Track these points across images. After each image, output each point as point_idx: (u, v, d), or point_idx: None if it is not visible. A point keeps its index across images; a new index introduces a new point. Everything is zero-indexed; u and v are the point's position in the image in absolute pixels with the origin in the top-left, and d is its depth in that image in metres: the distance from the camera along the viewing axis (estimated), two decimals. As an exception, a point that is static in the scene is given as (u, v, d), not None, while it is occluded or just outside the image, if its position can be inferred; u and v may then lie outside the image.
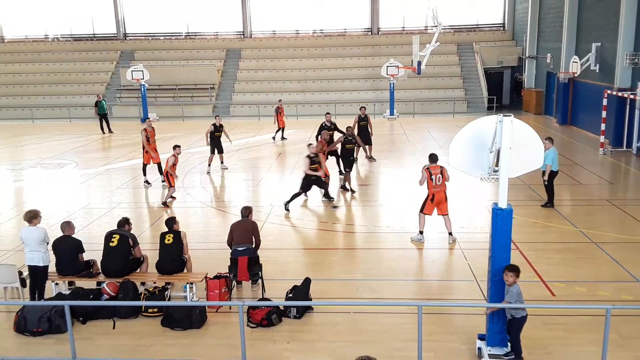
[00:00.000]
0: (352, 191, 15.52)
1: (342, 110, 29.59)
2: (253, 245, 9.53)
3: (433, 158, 11.57)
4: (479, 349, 7.47)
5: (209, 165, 18.42)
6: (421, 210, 11.64)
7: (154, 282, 9.32)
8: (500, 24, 37.23)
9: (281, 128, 24.45)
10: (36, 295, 9.07)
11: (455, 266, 10.74)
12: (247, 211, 9.86)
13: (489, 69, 34.25)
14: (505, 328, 7.31)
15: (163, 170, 14.63)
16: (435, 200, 11.46)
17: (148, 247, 10.78)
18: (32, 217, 9.13)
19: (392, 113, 30.26)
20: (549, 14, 29.39)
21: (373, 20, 37.72)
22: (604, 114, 20.46)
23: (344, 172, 15.91)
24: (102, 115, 27.41)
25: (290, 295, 8.97)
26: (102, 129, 27.36)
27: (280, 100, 26.28)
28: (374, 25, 37.83)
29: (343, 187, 15.61)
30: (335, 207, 14.23)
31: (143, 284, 9.62)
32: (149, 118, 19.64)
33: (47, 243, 9.11)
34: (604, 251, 10.97)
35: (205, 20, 38.54)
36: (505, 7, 36.57)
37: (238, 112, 32.98)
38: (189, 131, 26.68)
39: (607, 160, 19.35)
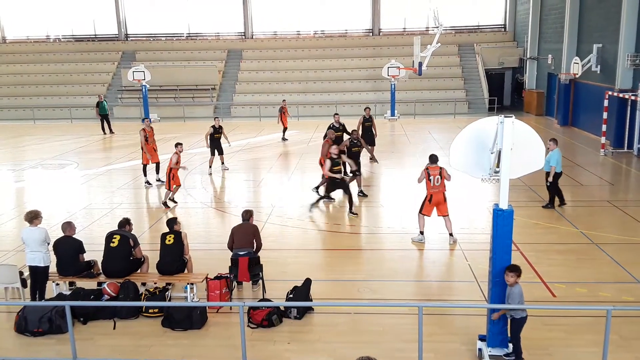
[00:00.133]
0: (363, 193, 15.36)
1: (343, 111, 29.31)
2: (254, 249, 9.52)
3: (433, 159, 11.57)
4: (480, 349, 7.47)
5: (210, 166, 18.43)
6: (420, 211, 11.66)
7: (155, 283, 9.33)
8: (501, 25, 37.24)
9: (284, 128, 24.43)
10: (37, 296, 9.08)
11: (456, 267, 10.74)
12: (248, 215, 9.83)
13: (490, 70, 34.25)
14: (506, 329, 7.31)
15: (166, 169, 14.51)
16: (433, 201, 11.48)
17: (149, 247, 10.78)
18: (33, 217, 9.14)
19: (393, 114, 30.27)
20: (550, 15, 29.39)
21: (374, 21, 37.74)
22: (605, 115, 20.44)
23: (353, 175, 15.79)
24: (104, 116, 27.44)
25: (291, 295, 8.98)
26: (103, 129, 27.39)
27: (284, 100, 26.25)
28: (375, 26, 37.84)
29: (362, 193, 15.33)
30: (354, 214, 13.65)
31: (144, 284, 9.62)
32: (147, 118, 19.61)
33: (48, 243, 9.11)
34: (604, 252, 10.96)
35: (206, 21, 38.57)
36: (507, 8, 36.57)
37: (239, 113, 33.00)
38: (190, 132, 26.69)
39: (608, 162, 19.34)
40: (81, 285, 9.42)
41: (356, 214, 13.65)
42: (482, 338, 7.56)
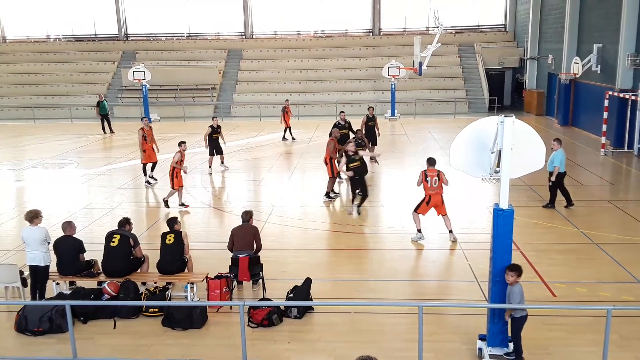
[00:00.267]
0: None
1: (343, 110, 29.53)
2: (253, 251, 9.50)
3: (431, 161, 11.66)
4: (480, 349, 7.47)
5: (210, 166, 18.43)
6: (415, 210, 11.70)
7: (155, 282, 9.33)
8: (501, 24, 37.23)
9: (287, 128, 24.41)
10: (37, 295, 9.08)
11: (456, 267, 10.74)
12: (247, 216, 9.80)
13: (490, 70, 34.25)
14: (506, 328, 7.31)
15: (169, 167, 14.36)
16: (431, 203, 11.56)
17: (149, 247, 10.78)
18: (33, 216, 9.14)
19: (393, 114, 30.28)
20: (551, 15, 29.39)
21: (374, 21, 37.74)
22: (605, 115, 20.43)
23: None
24: (104, 116, 27.44)
25: (291, 295, 8.98)
26: (103, 129, 27.40)
27: (287, 100, 26.24)
28: (375, 26, 37.84)
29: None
30: (350, 214, 13.67)
31: (144, 283, 9.63)
32: (145, 117, 19.62)
33: (48, 243, 9.12)
34: (605, 252, 10.97)
35: (206, 20, 38.58)
36: (507, 8, 36.57)
37: (239, 113, 33.01)
38: (190, 131, 26.67)
39: (608, 161, 19.34)
40: (81, 284, 9.44)
41: (359, 213, 13.59)
42: (482, 337, 7.56)
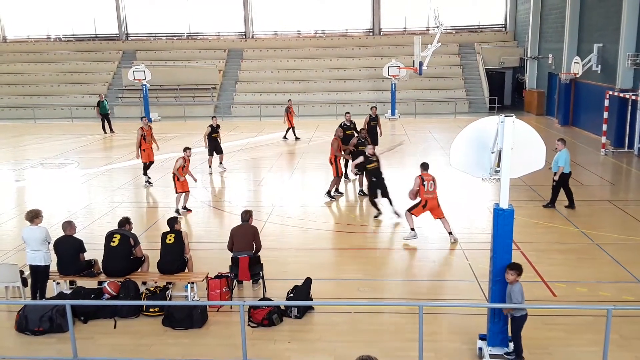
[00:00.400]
0: (364, 192, 15.39)
1: (343, 110, 29.41)
2: (253, 251, 9.48)
3: (425, 166, 11.75)
4: (480, 349, 7.47)
5: (210, 166, 18.43)
6: (409, 210, 11.74)
7: (155, 282, 9.33)
8: (501, 24, 37.22)
9: (290, 128, 24.40)
10: (37, 295, 9.09)
11: (456, 266, 10.73)
12: (247, 215, 9.76)
13: (490, 70, 34.25)
14: (506, 328, 7.31)
15: (172, 173, 14.13)
16: (427, 207, 11.61)
17: (149, 246, 10.78)
18: (34, 216, 9.14)
19: (393, 113, 30.27)
20: (551, 15, 29.38)
21: (375, 20, 37.73)
22: (605, 114, 20.43)
23: (355, 174, 15.83)
24: (104, 115, 27.45)
25: (291, 295, 8.98)
26: (103, 128, 27.40)
27: (289, 100, 26.24)
28: (376, 26, 37.84)
29: (362, 192, 15.36)
30: (375, 217, 13.45)
31: (144, 283, 9.63)
32: (145, 117, 19.64)
33: (49, 242, 9.12)
34: (605, 252, 10.96)
35: (207, 20, 38.59)
36: (507, 7, 36.56)
37: (240, 113, 33.01)
38: (191, 131, 26.67)
39: (609, 161, 19.34)
40: (82, 284, 9.44)
41: (398, 215, 13.12)
42: (482, 337, 7.56)
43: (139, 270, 9.45)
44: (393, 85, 30.00)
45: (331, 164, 15.33)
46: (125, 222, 9.61)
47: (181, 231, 9.49)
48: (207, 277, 9.14)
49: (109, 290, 9.02)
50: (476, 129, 7.06)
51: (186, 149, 14.18)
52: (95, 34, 39.43)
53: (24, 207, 14.10)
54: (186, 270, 9.38)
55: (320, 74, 34.98)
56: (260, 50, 37.43)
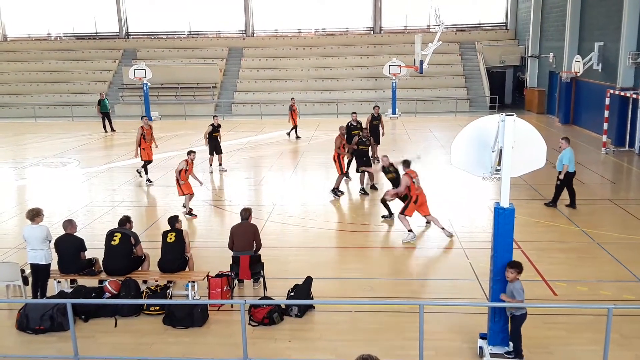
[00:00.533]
0: (364, 191, 15.43)
1: (344, 109, 29.61)
2: (253, 250, 9.48)
3: (408, 163, 11.91)
4: (481, 347, 7.48)
5: (210, 165, 18.42)
6: (402, 212, 11.76)
7: (156, 281, 9.34)
8: (502, 23, 37.19)
9: (295, 126, 24.38)
10: (38, 293, 9.10)
11: (456, 265, 10.72)
12: (246, 213, 9.71)
13: (491, 68, 34.22)
14: (507, 327, 7.31)
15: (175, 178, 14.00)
16: (418, 202, 11.72)
17: (150, 245, 10.78)
18: (35, 215, 9.15)
19: (394, 112, 30.26)
20: (552, 13, 29.35)
21: (375, 19, 37.70)
22: (606, 113, 20.42)
23: (357, 172, 15.86)
24: (105, 114, 27.45)
25: (292, 293, 8.98)
26: (104, 127, 27.40)
27: (292, 98, 26.21)
28: (377, 24, 37.81)
29: (363, 191, 15.42)
30: (384, 217, 13.26)
31: (145, 282, 9.63)
32: (145, 116, 19.65)
33: (50, 241, 9.13)
34: (605, 251, 10.96)
35: (207, 19, 38.59)
36: (508, 6, 36.52)
37: (240, 111, 33.00)
38: (191, 130, 26.69)
39: (610, 160, 19.32)
40: (82, 283, 9.45)
41: (391, 214, 13.09)
42: (483, 336, 7.57)
43: (140, 269, 9.46)
44: (394, 84, 29.98)
45: (335, 161, 15.36)
46: (125, 220, 9.61)
47: (182, 230, 9.50)
48: (207, 275, 9.14)
49: (110, 289, 9.02)
50: (477, 128, 7.05)
51: (190, 152, 13.91)
52: (96, 33, 39.42)
53: (24, 206, 14.11)
54: (187, 269, 9.38)
55: (321, 72, 34.97)
56: (260, 49, 37.40)
